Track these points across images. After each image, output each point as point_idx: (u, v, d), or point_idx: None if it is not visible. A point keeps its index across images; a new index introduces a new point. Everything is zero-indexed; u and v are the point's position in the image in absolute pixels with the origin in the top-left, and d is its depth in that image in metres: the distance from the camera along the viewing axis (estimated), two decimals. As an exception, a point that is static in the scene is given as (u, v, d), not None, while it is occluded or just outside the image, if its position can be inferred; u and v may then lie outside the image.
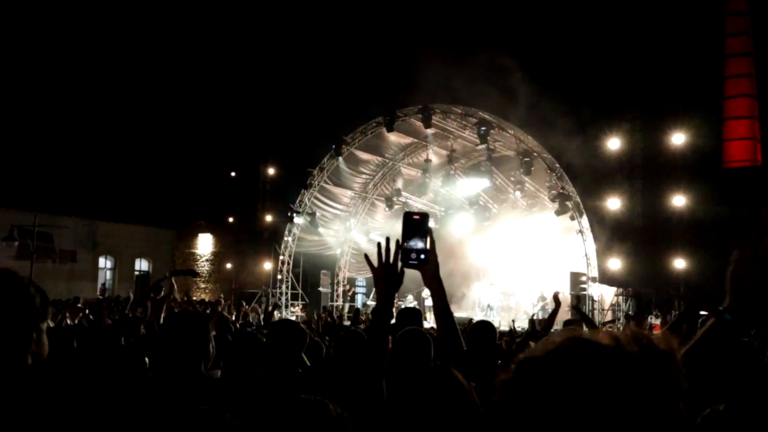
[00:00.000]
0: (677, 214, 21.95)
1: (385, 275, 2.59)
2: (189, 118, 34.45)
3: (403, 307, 8.51)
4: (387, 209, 27.15)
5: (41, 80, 31.36)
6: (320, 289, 28.03)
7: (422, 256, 2.37)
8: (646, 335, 1.04)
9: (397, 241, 2.57)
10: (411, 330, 4.10)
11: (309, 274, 28.82)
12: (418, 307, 24.59)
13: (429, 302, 23.66)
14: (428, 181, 26.01)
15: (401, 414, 2.20)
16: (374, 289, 2.81)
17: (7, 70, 29.91)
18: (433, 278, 2.59)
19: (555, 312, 7.22)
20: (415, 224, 2.37)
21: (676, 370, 1.01)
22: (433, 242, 2.47)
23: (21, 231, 26.97)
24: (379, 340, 2.58)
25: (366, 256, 2.69)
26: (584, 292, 21.39)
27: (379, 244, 2.61)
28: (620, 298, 22.24)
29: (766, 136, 29.41)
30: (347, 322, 19.07)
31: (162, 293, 7.28)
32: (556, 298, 7.56)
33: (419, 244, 2.37)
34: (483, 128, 22.03)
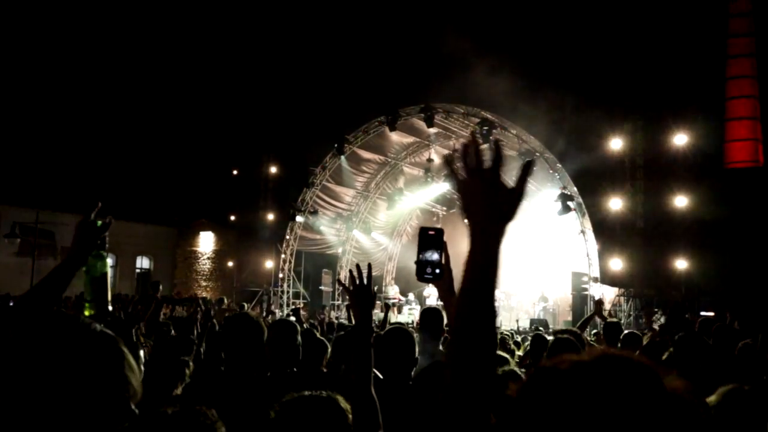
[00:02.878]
0: (679, 215, 21.92)
1: (360, 297, 2.84)
2: (191, 116, 34.50)
3: (426, 306, 8.82)
4: (389, 208, 27.18)
5: (43, 78, 31.41)
6: (321, 287, 28.02)
7: (437, 270, 2.41)
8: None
9: (369, 265, 2.94)
10: (395, 328, 4.42)
11: (310, 273, 28.82)
12: (420, 305, 24.68)
13: (429, 301, 23.72)
14: (430, 180, 26.03)
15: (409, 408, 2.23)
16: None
17: (9, 67, 29.95)
18: (447, 292, 2.69)
19: (592, 315, 8.28)
20: (431, 239, 2.46)
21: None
22: (447, 257, 2.55)
23: (23, 228, 27.06)
24: (363, 356, 2.76)
25: (339, 281, 2.90)
26: (585, 292, 21.42)
27: (350, 271, 2.84)
28: (621, 298, 22.25)
29: (769, 137, 29.41)
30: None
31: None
32: (598, 303, 8.63)
33: (434, 259, 2.45)
34: (485, 128, 22.03)
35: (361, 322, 2.83)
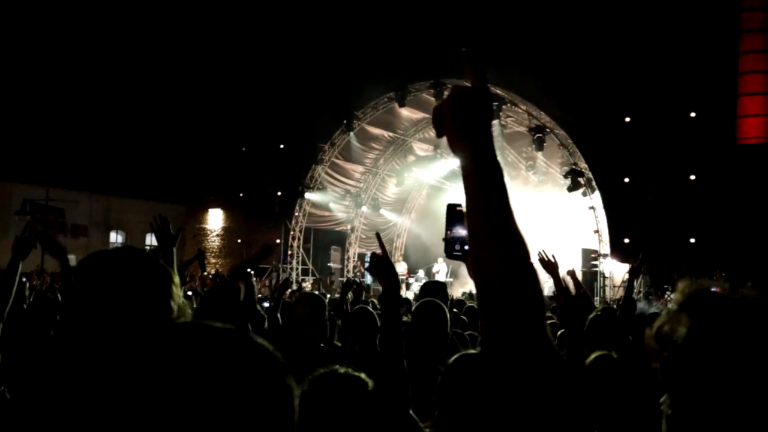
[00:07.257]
0: (690, 191, 21.79)
1: (381, 267, 2.87)
2: (200, 93, 34.38)
3: (425, 281, 8.55)
4: (398, 185, 27.12)
5: (53, 56, 31.34)
6: (330, 264, 28.07)
7: (466, 247, 2.24)
8: None
9: (378, 234, 3.16)
10: (427, 301, 4.22)
11: (319, 250, 28.86)
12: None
13: (438, 277, 23.70)
14: (439, 157, 25.91)
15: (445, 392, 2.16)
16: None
17: (22, 45, 29.91)
18: None
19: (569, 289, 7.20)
20: (459, 215, 2.35)
21: None
22: None
23: (33, 205, 27.16)
24: (393, 324, 2.78)
25: (378, 234, 2.95)
26: (596, 269, 21.37)
27: (377, 234, 2.94)
28: (631, 274, 22.18)
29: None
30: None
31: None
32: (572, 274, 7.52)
33: (463, 235, 2.34)
34: (495, 103, 21.88)
35: (388, 290, 2.83)
